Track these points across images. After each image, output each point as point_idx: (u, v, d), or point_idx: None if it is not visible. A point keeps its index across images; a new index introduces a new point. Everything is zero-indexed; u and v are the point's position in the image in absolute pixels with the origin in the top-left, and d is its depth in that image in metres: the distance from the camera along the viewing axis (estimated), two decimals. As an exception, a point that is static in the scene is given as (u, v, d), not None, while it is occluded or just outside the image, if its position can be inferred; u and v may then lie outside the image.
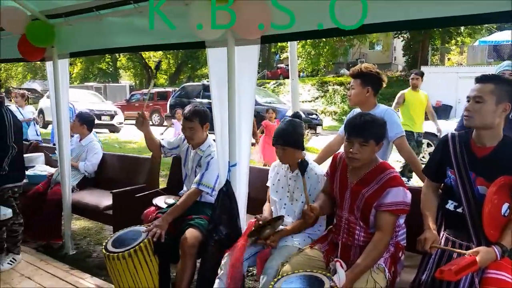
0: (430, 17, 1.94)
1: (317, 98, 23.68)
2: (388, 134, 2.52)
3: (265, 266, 2.24)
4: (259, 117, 8.90)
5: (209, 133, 3.06)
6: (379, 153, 2.25)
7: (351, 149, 2.09)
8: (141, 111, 3.03)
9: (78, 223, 4.82)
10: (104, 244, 2.62)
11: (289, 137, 2.46)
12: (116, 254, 2.46)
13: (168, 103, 14.81)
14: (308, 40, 23.66)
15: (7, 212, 2.43)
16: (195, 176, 2.91)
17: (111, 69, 33.87)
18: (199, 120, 2.92)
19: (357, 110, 2.84)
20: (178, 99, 14.10)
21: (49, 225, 3.96)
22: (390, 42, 32.08)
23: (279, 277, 2.04)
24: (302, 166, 2.20)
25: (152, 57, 31.62)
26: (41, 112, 14.63)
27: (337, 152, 2.46)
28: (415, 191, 2.24)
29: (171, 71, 33.11)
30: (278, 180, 2.63)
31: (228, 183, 2.62)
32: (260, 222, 2.44)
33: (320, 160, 3.07)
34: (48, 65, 3.83)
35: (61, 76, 3.73)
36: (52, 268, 3.49)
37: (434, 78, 15.34)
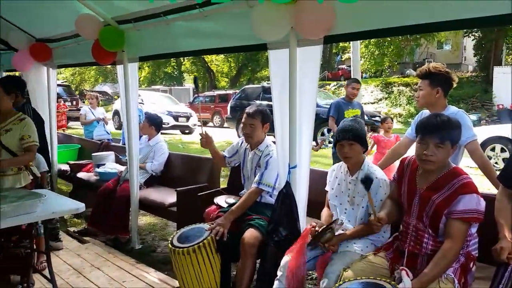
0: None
1: (380, 99, 22.94)
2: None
3: (326, 271, 2.19)
4: (319, 119, 8.74)
5: (267, 134, 3.07)
6: (450, 158, 2.12)
7: (425, 151, 1.99)
8: (203, 133, 3.17)
9: (144, 219, 5.05)
10: (170, 239, 2.72)
11: (357, 133, 2.40)
12: (181, 249, 2.55)
13: (229, 105, 15.11)
14: (371, 40, 23.01)
15: (80, 206, 2.60)
16: (255, 177, 2.93)
17: (176, 72, 35.27)
18: (261, 119, 2.95)
19: (426, 112, 2.71)
20: (238, 101, 14.32)
21: (117, 220, 4.19)
22: (459, 41, 30.29)
23: (341, 282, 1.99)
24: (367, 182, 2.15)
25: (214, 61, 32.47)
26: (116, 113, 15.52)
27: (405, 156, 2.35)
28: (490, 199, 2.08)
29: (232, 74, 33.76)
30: (338, 184, 2.56)
31: (288, 185, 2.60)
32: (317, 228, 2.39)
33: (385, 164, 2.96)
34: (119, 68, 4.05)
35: (130, 79, 3.94)
36: (119, 261, 3.69)
37: (507, 79, 14.21)
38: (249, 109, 3.01)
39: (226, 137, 14.33)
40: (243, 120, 2.99)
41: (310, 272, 2.97)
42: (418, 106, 2.80)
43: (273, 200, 2.76)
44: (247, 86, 16.61)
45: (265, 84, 15.77)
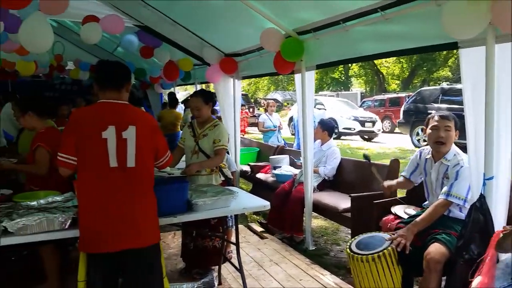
0: None
1: None
2: None
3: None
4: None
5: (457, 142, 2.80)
6: None
7: None
8: (386, 185, 3.18)
9: (316, 222, 5.19)
10: (348, 244, 2.73)
11: None
12: (360, 255, 2.53)
13: (402, 109, 14.27)
14: None
15: (266, 204, 2.85)
16: (441, 188, 2.70)
17: (343, 77, 35.20)
18: (454, 124, 2.72)
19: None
20: (413, 105, 13.37)
21: (293, 220, 4.42)
22: None
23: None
24: None
25: (384, 63, 31.24)
26: (292, 119, 15.92)
27: None
28: None
29: (404, 75, 31.88)
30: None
31: (482, 198, 2.32)
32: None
33: None
34: (297, 77, 4.26)
35: (307, 87, 4.12)
36: (296, 260, 3.88)
37: None
38: (439, 112, 2.81)
39: (398, 143, 13.65)
40: (434, 123, 2.74)
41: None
42: None
43: (463, 214, 2.50)
44: (423, 88, 15.41)
45: (444, 85, 14.37)
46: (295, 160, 5.15)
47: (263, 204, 2.86)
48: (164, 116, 7.73)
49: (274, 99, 28.06)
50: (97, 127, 2.10)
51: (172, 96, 8.40)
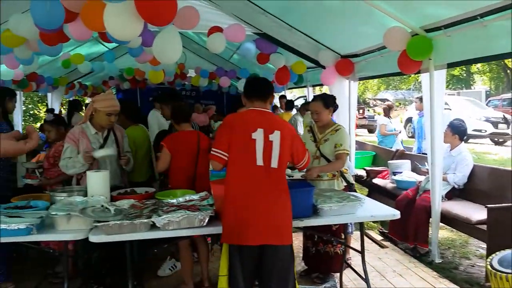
0: None
1: None
2: None
3: None
4: None
5: None
6: None
7: None
8: None
9: (442, 233, 4.79)
10: (488, 260, 2.46)
11: None
12: (505, 274, 2.26)
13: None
14: None
15: (396, 213, 2.71)
16: None
17: (464, 74, 32.17)
18: None
19: None
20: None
21: (417, 230, 4.15)
22: None
23: None
24: None
25: (513, 57, 27.75)
26: (409, 121, 14.77)
27: None
28: None
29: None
30: None
31: None
32: None
33: None
34: (424, 76, 4.00)
35: (436, 87, 3.83)
36: (421, 272, 3.64)
37: None
38: None
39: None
40: None
41: None
42: None
43: None
44: None
45: None
46: (419, 166, 4.81)
47: (392, 213, 2.74)
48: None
49: (384, 99, 26.88)
50: (248, 128, 2.34)
51: (286, 99, 8.53)
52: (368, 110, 22.44)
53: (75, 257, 3.17)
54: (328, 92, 4.91)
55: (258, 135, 2.33)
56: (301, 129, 7.36)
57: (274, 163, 2.33)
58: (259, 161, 2.31)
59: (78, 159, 2.98)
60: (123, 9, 2.39)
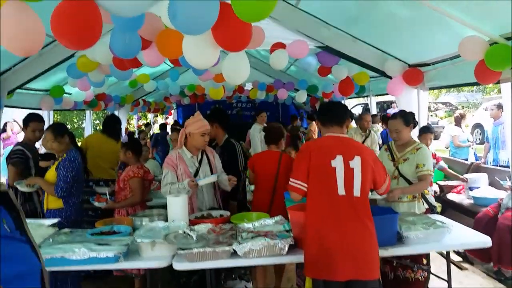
0: None
1: None
2: None
3: None
4: None
5: None
6: None
7: None
8: None
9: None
10: None
11: None
12: None
13: None
14: None
15: (487, 241, 2.51)
16: None
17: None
18: None
19: None
20: None
21: (500, 250, 3.84)
22: None
23: None
24: None
25: None
26: (477, 126, 13.51)
27: None
28: None
29: None
30: None
31: None
32: None
33: None
34: (504, 86, 3.74)
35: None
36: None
37: None
38: None
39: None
40: None
41: None
42: None
43: None
44: None
45: None
46: (501, 182, 4.45)
47: (483, 240, 2.54)
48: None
49: (447, 103, 25.49)
50: (327, 156, 2.26)
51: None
52: (431, 116, 21.25)
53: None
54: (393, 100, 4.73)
55: (338, 163, 2.25)
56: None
57: (357, 192, 2.23)
58: (341, 191, 2.22)
59: (183, 186, 3.03)
60: (201, 38, 2.43)
